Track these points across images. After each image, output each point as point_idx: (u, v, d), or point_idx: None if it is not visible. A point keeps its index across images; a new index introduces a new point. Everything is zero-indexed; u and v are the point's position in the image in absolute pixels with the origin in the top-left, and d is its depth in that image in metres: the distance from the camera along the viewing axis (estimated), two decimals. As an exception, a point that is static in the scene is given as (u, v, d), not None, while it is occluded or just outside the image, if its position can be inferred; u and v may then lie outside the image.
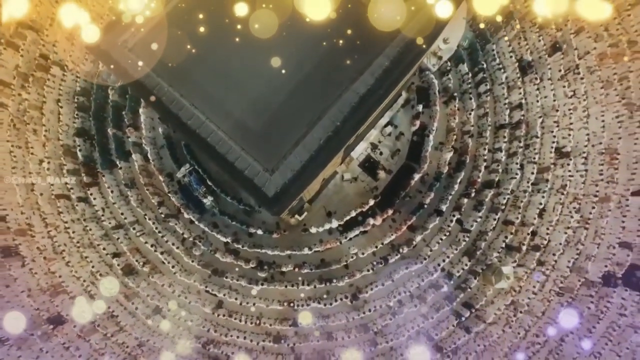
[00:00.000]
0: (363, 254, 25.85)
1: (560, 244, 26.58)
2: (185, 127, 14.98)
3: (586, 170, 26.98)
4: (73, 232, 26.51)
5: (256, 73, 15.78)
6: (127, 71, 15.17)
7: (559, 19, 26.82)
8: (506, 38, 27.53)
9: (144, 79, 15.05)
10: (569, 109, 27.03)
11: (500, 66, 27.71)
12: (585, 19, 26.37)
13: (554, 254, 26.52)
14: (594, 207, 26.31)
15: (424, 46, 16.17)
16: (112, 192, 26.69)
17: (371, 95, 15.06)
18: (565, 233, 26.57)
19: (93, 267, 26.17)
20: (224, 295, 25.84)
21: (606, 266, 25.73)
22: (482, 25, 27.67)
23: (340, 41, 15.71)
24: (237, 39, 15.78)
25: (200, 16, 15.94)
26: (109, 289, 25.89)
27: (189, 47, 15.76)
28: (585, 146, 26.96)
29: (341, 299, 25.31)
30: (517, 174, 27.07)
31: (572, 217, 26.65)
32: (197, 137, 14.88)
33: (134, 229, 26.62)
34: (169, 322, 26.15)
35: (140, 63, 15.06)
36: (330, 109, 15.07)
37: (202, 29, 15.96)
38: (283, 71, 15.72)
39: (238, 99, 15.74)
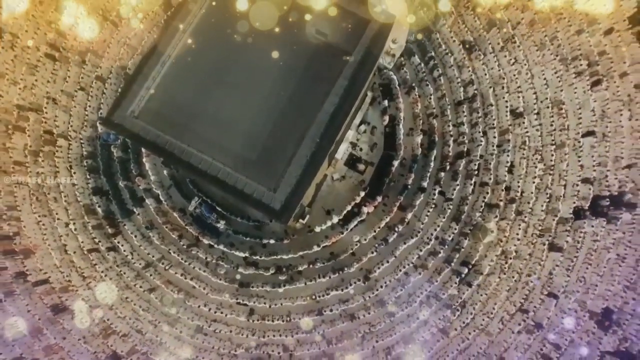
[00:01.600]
0: (365, 239, 29.40)
1: (532, 192, 30.20)
2: (197, 170, 18.37)
3: (540, 124, 30.69)
4: (110, 279, 29.80)
5: (244, 114, 19.21)
6: (140, 136, 18.54)
7: None
8: (446, 25, 31.19)
9: (155, 139, 18.40)
10: (514, 75, 30.75)
11: (447, 51, 31.37)
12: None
13: (528, 202, 30.13)
14: (553, 155, 30.02)
15: (371, 64, 19.74)
16: (135, 236, 29.98)
17: (339, 111, 18.54)
18: (534, 182, 30.19)
19: (134, 304, 29.47)
20: (254, 303, 29.29)
21: (574, 202, 29.49)
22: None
23: (307, 74, 19.24)
24: (224, 91, 19.25)
25: (192, 78, 19.35)
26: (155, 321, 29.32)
27: (185, 105, 19.15)
28: (535, 103, 30.69)
29: (355, 283, 28.86)
30: (481, 141, 30.69)
31: (536, 167, 30.28)
32: (208, 175, 18.27)
33: (162, 264, 29.96)
34: (211, 337, 29.51)
35: (149, 127, 18.42)
36: (309, 129, 18.52)
37: (194, 87, 19.38)
38: (266, 108, 19.22)
39: (234, 139, 19.15)
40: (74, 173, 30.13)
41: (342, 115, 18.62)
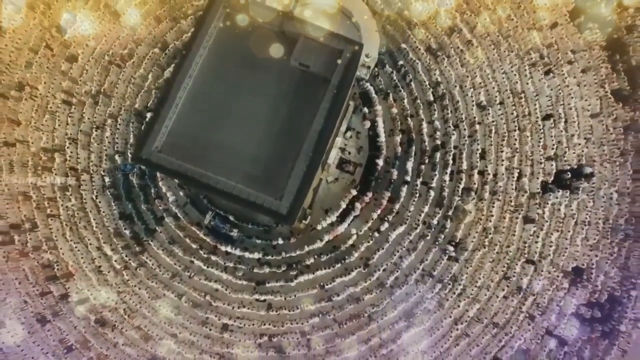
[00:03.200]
0: (361, 231, 33.52)
1: (503, 174, 34.26)
2: (215, 189, 22.39)
3: (504, 113, 34.90)
4: (140, 290, 33.77)
5: (248, 138, 23.22)
6: (165, 167, 22.58)
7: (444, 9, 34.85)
8: (412, 35, 35.37)
9: (178, 168, 22.42)
10: (476, 72, 34.98)
11: (414, 58, 35.52)
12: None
13: (500, 183, 34.33)
14: (516, 139, 34.27)
15: (348, 84, 23.84)
16: (160, 251, 33.98)
17: (325, 129, 22.54)
18: (504, 164, 34.34)
19: (166, 310, 33.51)
20: (271, 297, 33.36)
21: (538, 178, 33.74)
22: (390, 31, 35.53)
23: (296, 100, 23.40)
24: (229, 120, 23.36)
25: (203, 112, 23.47)
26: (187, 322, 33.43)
27: (199, 135, 23.22)
28: (497, 96, 34.91)
29: (356, 269, 33.00)
30: (454, 133, 34.71)
31: (504, 151, 34.48)
32: (225, 193, 22.28)
33: (187, 273, 33.97)
34: (236, 332, 33.60)
35: (172, 158, 22.47)
36: (303, 146, 22.56)
37: (205, 121, 23.45)
38: (266, 132, 23.34)
39: (242, 160, 23.17)
40: (100, 202, 34.05)
41: (327, 132, 22.66)
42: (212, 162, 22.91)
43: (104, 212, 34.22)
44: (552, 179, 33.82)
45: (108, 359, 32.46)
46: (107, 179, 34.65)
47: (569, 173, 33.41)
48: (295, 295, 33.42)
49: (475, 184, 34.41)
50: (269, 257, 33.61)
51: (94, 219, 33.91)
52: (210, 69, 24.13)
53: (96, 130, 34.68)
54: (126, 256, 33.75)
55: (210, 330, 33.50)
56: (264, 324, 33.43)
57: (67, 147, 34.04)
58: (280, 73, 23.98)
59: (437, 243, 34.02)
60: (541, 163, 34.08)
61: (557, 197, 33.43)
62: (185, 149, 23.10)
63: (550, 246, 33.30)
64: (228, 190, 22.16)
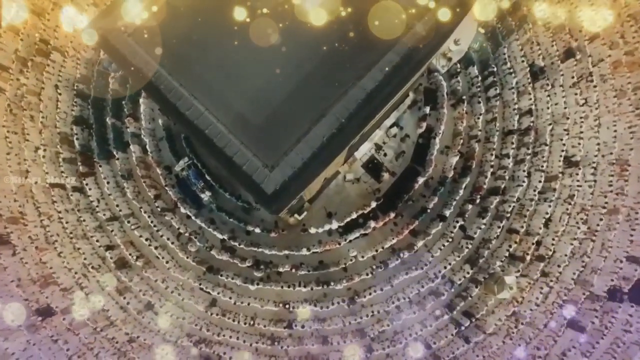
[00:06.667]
0: (363, 257, 25.18)
1: (566, 255, 25.89)
2: (183, 118, 14.31)
3: (595, 181, 26.32)
4: (66, 223, 25.88)
5: (260, 64, 15.07)
6: (126, 58, 14.53)
7: (573, 24, 26.16)
8: (518, 42, 26.80)
9: (143, 66, 14.39)
10: (580, 117, 26.32)
11: (511, 70, 26.99)
12: (600, 25, 25.75)
13: (558, 266, 25.82)
14: (601, 219, 25.64)
15: (436, 43, 15.51)
16: (108, 183, 26.06)
17: (379, 92, 14.37)
18: (571, 244, 25.85)
19: (85, 259, 25.56)
20: (218, 293, 25.21)
21: (612, 280, 25.03)
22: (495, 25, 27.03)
23: (349, 34, 14.99)
24: (242, 29, 15.11)
25: (204, 3, 15.28)
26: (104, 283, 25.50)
27: (191, 35, 15.10)
28: (595, 156, 26.28)
29: (338, 303, 24.62)
30: (524, 181, 26.37)
31: (578, 228, 25.96)
32: (195, 128, 14.21)
33: (128, 221, 26.03)
34: (160, 318, 25.54)
35: (139, 50, 14.40)
36: (336, 105, 14.39)
37: (205, 16, 15.29)
38: (289, 63, 15.05)
39: (240, 91, 15.06)
40: (60, 94, 26.22)
41: (382, 98, 14.43)
42: (196, 78, 14.83)
43: (60, 109, 26.33)
44: (628, 287, 25.05)
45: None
46: (80, 71, 26.77)
47: (652, 289, 24.56)
48: (249, 303, 25.17)
49: (527, 254, 25.82)
50: (237, 243, 25.42)
51: (45, 113, 26.03)
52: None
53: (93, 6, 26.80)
54: (65, 172, 25.86)
55: (128, 303, 25.42)
56: (197, 324, 25.28)
57: (49, 14, 26.15)
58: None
59: (450, 309, 25.52)
60: (621, 261, 25.34)
61: (627, 314, 24.63)
62: (166, 48, 14.95)
63: (595, 372, 24.49)
64: (200, 126, 14.03)
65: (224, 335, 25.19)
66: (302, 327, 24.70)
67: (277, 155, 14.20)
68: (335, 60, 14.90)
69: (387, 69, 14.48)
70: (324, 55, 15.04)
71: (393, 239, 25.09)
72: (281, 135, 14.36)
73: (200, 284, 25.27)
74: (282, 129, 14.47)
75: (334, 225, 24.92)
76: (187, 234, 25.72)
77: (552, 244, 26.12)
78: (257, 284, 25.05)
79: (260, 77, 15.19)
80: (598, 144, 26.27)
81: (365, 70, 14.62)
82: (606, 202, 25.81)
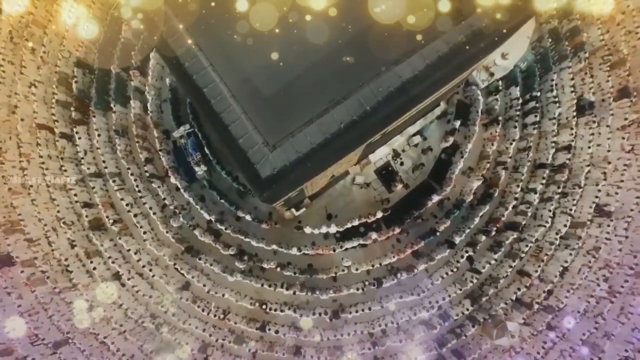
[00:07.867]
0: (357, 269, 22.76)
1: (578, 312, 23.31)
2: (181, 70, 12.04)
3: (626, 237, 23.64)
4: (47, 169, 23.73)
5: (284, 30, 12.73)
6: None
7: (636, 62, 23.50)
8: (570, 70, 24.17)
9: (154, 10, 12.16)
10: (624, 165, 23.66)
11: (556, 99, 24.40)
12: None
13: (568, 322, 23.16)
14: (626, 281, 23.01)
15: (491, 43, 13.08)
16: (99, 135, 23.94)
17: (417, 83, 11.99)
18: (587, 301, 23.26)
19: (59, 212, 23.38)
20: (193, 277, 22.96)
21: (626, 351, 22.35)
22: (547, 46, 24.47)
23: (396, 10, 12.57)
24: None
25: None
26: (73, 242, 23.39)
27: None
28: (632, 210, 23.60)
29: (320, 314, 22.19)
30: (547, 222, 23.77)
31: (598, 285, 23.38)
32: (193, 84, 11.93)
33: (113, 181, 23.86)
34: (125, 292, 23.37)
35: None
36: (363, 88, 12.05)
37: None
38: (318, 33, 12.69)
39: (255, 55, 12.78)
40: (67, 31, 24.13)
41: (419, 91, 12.05)
42: (208, 31, 12.47)
43: (65, 47, 24.24)
44: (642, 360, 22.31)
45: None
46: (93, 11, 24.64)
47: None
48: (224, 295, 22.88)
49: (535, 302, 23.28)
50: (223, 227, 23.14)
51: (48, 48, 23.91)
52: None
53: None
54: (55, 114, 23.76)
55: (94, 269, 23.24)
56: (164, 306, 23.02)
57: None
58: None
59: (440, 345, 23.05)
60: None
61: (635, 390, 21.96)
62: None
63: None
64: (198, 83, 11.77)
65: (189, 324, 22.91)
66: (277, 332, 22.32)
67: (282, 134, 11.88)
68: (372, 37, 12.50)
69: (432, 58, 12.08)
70: (360, 29, 12.66)
71: (393, 256, 22.62)
72: (292, 112, 12.02)
73: (175, 264, 22.99)
74: (295, 105, 12.13)
75: (333, 229, 22.50)
76: (172, 207, 23.48)
77: (565, 296, 23.55)
78: (237, 276, 22.72)
79: (282, 44, 12.85)
80: (638, 197, 23.59)
81: (405, 55, 12.25)
82: (635, 263, 23.15)
